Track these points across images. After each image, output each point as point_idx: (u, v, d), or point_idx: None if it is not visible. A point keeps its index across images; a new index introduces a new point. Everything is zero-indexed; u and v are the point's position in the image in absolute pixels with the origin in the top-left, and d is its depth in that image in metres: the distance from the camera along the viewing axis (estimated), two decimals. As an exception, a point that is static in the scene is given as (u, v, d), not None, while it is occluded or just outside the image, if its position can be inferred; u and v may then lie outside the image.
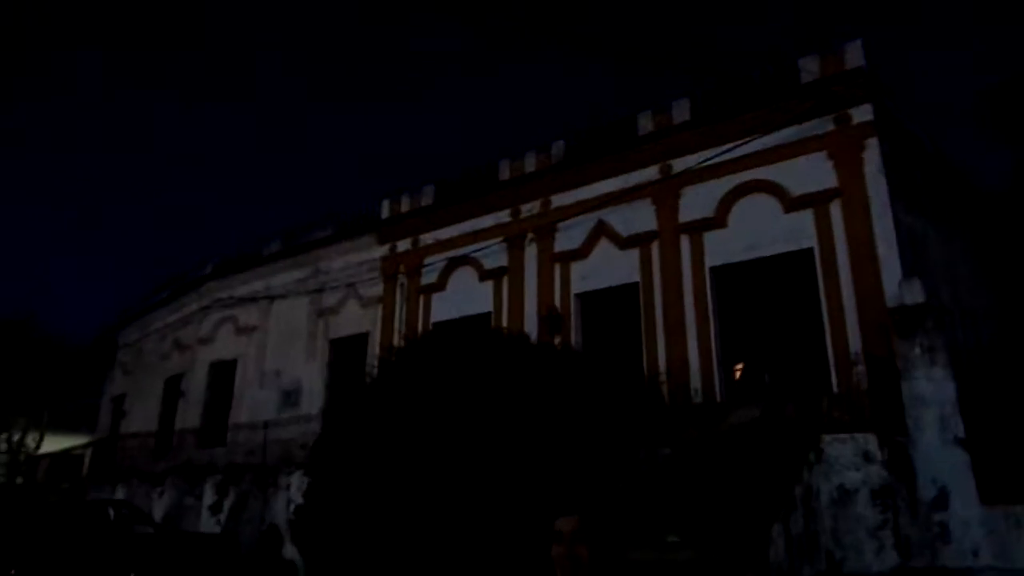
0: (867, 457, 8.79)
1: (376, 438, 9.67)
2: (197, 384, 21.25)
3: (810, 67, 12.48)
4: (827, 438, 9.03)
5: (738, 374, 12.21)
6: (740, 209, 12.64)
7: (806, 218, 11.94)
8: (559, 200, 15.01)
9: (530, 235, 15.29)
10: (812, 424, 9.35)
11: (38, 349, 30.89)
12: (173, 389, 22.60)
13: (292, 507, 14.30)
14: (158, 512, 16.26)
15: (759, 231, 12.28)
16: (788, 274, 12.05)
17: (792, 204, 12.09)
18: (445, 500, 8.36)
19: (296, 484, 14.59)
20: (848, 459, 8.83)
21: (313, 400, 18.02)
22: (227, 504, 15.46)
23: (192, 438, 20.38)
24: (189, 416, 21.00)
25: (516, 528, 7.58)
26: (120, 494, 18.01)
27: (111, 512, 9.12)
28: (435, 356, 10.57)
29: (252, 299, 20.58)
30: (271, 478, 15.00)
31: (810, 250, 11.81)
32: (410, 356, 11.56)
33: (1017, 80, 14.86)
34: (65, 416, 33.52)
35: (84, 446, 29.02)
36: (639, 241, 13.60)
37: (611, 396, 9.93)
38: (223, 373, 20.74)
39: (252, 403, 19.37)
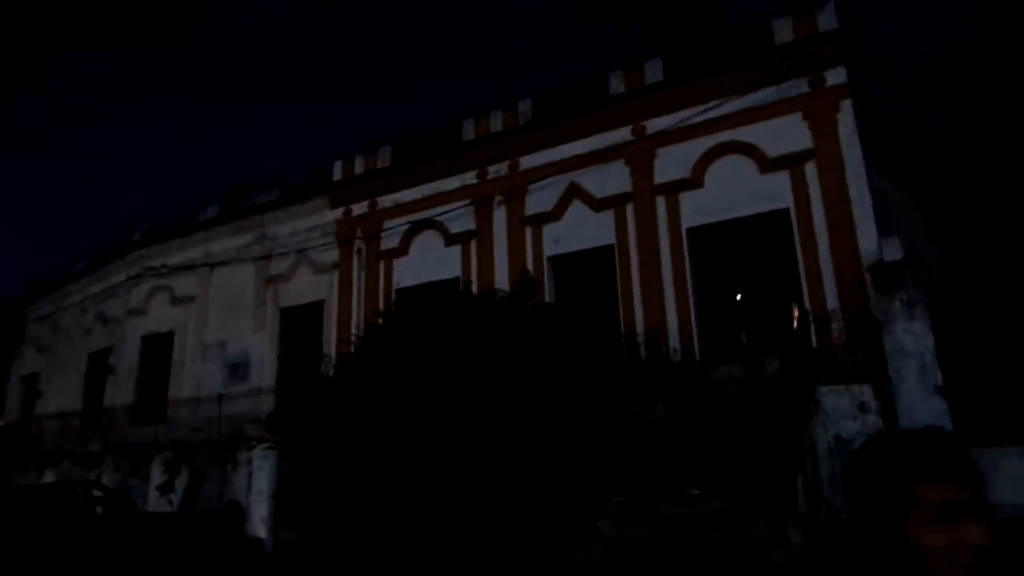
0: (863, 407, 9.07)
1: (361, 413, 9.25)
2: (128, 359, 19.85)
3: (783, 29, 12.61)
4: (823, 389, 9.26)
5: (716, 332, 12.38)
6: (716, 170, 12.73)
7: (782, 179, 12.15)
8: (528, 161, 14.70)
9: (499, 197, 14.93)
10: (808, 377, 9.58)
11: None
12: (99, 365, 21.05)
13: (255, 484, 13.65)
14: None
15: (735, 192, 12.41)
16: (765, 234, 12.27)
17: (768, 165, 12.27)
18: (439, 474, 8.09)
19: (257, 460, 13.90)
20: (844, 409, 9.09)
21: (264, 372, 17.17)
22: (179, 483, 14.55)
23: (125, 416, 19.07)
24: (120, 393, 19.62)
25: (517, 498, 7.41)
26: (49, 477, 16.66)
27: (80, 493, 8.29)
28: (417, 322, 10.18)
29: (189, 267, 19.31)
30: (229, 454, 14.19)
31: (786, 210, 12.03)
32: (391, 324, 11.10)
33: (959, 49, 15.60)
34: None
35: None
36: (614, 203, 13.51)
37: (598, 355, 9.86)
38: (158, 346, 19.44)
39: (194, 377, 18.27)
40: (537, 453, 7.73)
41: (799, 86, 12.27)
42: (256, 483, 13.57)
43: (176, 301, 19.37)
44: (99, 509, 9.78)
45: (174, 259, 19.75)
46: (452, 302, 10.24)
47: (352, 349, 12.24)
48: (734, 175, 12.50)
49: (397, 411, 8.82)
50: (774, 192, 12.15)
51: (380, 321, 10.30)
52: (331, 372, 11.56)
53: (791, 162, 12.09)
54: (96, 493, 8.79)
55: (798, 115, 12.20)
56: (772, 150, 12.26)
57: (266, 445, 13.90)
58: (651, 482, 7.89)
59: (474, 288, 14.54)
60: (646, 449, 8.94)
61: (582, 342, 9.20)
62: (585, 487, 7.60)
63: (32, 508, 7.87)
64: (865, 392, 9.14)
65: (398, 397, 8.90)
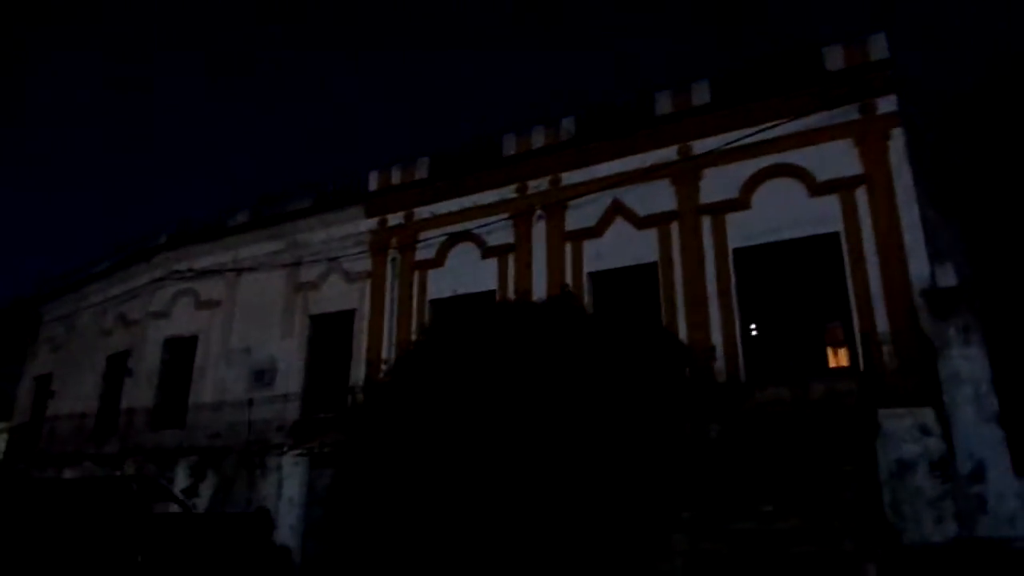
0: (924, 430, 9.01)
1: (415, 423, 9.10)
2: (148, 362, 19.66)
3: (834, 55, 12.74)
4: (883, 412, 9.20)
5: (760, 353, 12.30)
6: (764, 192, 12.77)
7: (832, 203, 12.18)
8: (570, 178, 14.74)
9: (538, 212, 14.94)
10: (869, 399, 9.52)
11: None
12: (117, 367, 20.84)
13: (285, 491, 13.44)
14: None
15: (784, 214, 12.43)
16: (812, 257, 12.27)
17: (817, 189, 12.31)
18: (497, 486, 7.95)
19: (288, 467, 13.74)
20: (905, 432, 9.02)
21: (291, 379, 17.00)
22: (205, 487, 14.35)
23: (143, 418, 18.85)
24: (139, 395, 19.40)
25: (586, 511, 7.29)
26: (69, 477, 16.41)
27: (135, 489, 8.14)
28: (474, 331, 10.08)
29: (216, 271, 19.22)
30: (258, 460, 14.03)
31: (836, 234, 12.05)
32: (442, 333, 11.01)
33: (1005, 81, 15.81)
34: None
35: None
36: (658, 221, 13.53)
37: (657, 372, 9.78)
38: (180, 350, 19.28)
39: (217, 382, 18.08)
40: (606, 468, 7.62)
41: (850, 112, 12.36)
42: (286, 490, 13.43)
43: (201, 305, 19.25)
44: (167, 506, 9.58)
45: (200, 263, 19.66)
46: (510, 313, 10.17)
47: (394, 360, 12.12)
48: (782, 198, 12.54)
49: (454, 422, 8.69)
50: (823, 216, 12.17)
51: (418, 336, 10.23)
52: (374, 382, 11.40)
53: (841, 187, 12.14)
54: (144, 487, 8.64)
55: (849, 141, 12.28)
56: (822, 174, 12.32)
57: (297, 452, 13.75)
58: (716, 499, 7.78)
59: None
60: (705, 466, 8.84)
61: (642, 358, 9.14)
62: (654, 502, 7.49)
63: (90, 501, 7.72)
64: (927, 415, 9.10)
65: (455, 409, 8.77)
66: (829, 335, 12.55)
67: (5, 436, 27.08)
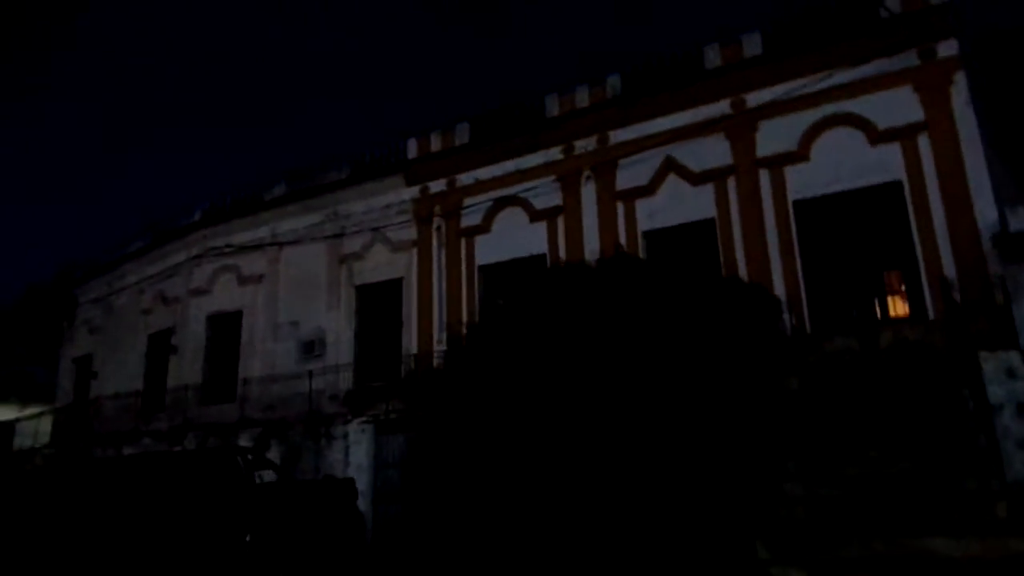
0: (1010, 373, 9.06)
1: (497, 387, 9.11)
2: (193, 338, 19.81)
3: (891, 1, 12.51)
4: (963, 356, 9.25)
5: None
6: (823, 142, 12.66)
7: (893, 151, 12.09)
8: (618, 136, 14.63)
9: (586, 172, 14.86)
10: (967, 342, 9.54)
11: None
12: (160, 345, 21.01)
13: (353, 458, 13.61)
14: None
15: (844, 164, 12.34)
16: (875, 206, 12.22)
17: (878, 137, 12.20)
18: (601, 451, 7.97)
19: (355, 435, 13.92)
20: (991, 375, 9.08)
21: (340, 350, 17.12)
22: (270, 457, 14.55)
23: (192, 394, 19.05)
24: (186, 372, 19.59)
25: (683, 470, 7.34)
26: (129, 453, 16.66)
27: (240, 460, 8.26)
28: (546, 296, 10.07)
29: (256, 246, 19.23)
30: (324, 429, 14.21)
31: (899, 182, 11.98)
32: (515, 299, 11.00)
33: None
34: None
35: (35, 415, 26.76)
36: (713, 176, 13.46)
37: (747, 327, 9.80)
38: (225, 325, 19.40)
39: (265, 356, 18.22)
40: (708, 422, 7.69)
41: (909, 58, 12.18)
42: (354, 457, 13.62)
43: (243, 280, 19.31)
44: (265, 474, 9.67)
45: (239, 239, 19.66)
46: (584, 274, 10.16)
47: (463, 328, 12.11)
48: (842, 148, 12.44)
49: (538, 385, 8.72)
50: (885, 164, 12.09)
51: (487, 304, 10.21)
52: (454, 346, 11.43)
53: (903, 134, 12.02)
54: (248, 457, 8.77)
55: (908, 87, 12.13)
56: (882, 122, 12.19)
57: (363, 420, 13.91)
58: (818, 448, 7.88)
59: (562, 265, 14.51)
60: (794, 417, 8.93)
61: (728, 312, 9.17)
62: (757, 454, 7.59)
63: (196, 472, 7.84)
64: (1013, 358, 9.13)
65: (540, 371, 8.79)
66: (890, 283, 12.60)
67: (48, 418, 27.46)
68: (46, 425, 25.82)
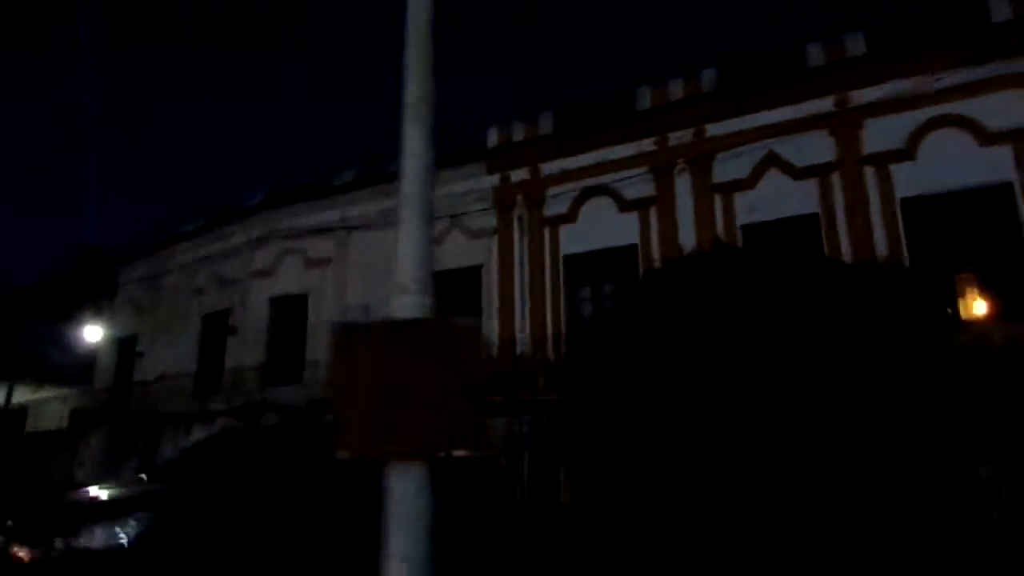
0: None
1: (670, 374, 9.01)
2: (255, 320, 19.66)
3: (1000, 7, 12.76)
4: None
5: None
6: (930, 142, 12.86)
7: (1004, 152, 12.30)
8: (715, 129, 14.75)
9: (680, 164, 14.97)
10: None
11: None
12: (215, 326, 20.84)
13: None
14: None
15: (952, 164, 12.54)
16: (985, 206, 12.41)
17: (988, 138, 12.42)
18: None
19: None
20: None
21: (415, 335, 17.03)
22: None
23: (254, 375, 18.90)
24: (246, 353, 19.44)
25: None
26: (199, 433, 16.50)
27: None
28: (706, 282, 9.99)
29: (325, 230, 19.15)
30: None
31: (1009, 183, 12.19)
32: (663, 282, 10.91)
33: None
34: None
35: (74, 395, 26.43)
36: (817, 171, 13.61)
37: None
38: (289, 308, 19.29)
39: (334, 339, 18.09)
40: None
41: (1020, 63, 12.42)
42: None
43: (310, 263, 19.21)
44: None
45: (305, 222, 19.58)
46: (721, 262, 10.14)
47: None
48: (950, 148, 12.64)
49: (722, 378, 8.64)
50: (995, 165, 12.30)
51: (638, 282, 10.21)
52: (592, 328, 11.36)
53: (1014, 136, 12.24)
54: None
55: (1020, 91, 12.35)
56: (992, 124, 12.41)
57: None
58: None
59: (654, 254, 14.59)
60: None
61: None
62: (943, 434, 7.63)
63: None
64: None
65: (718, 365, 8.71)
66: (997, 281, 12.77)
67: (66, 401, 27.09)
68: (59, 407, 25.43)
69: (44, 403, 30.87)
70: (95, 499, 6.22)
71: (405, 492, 1.80)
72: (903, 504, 6.79)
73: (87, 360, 30.83)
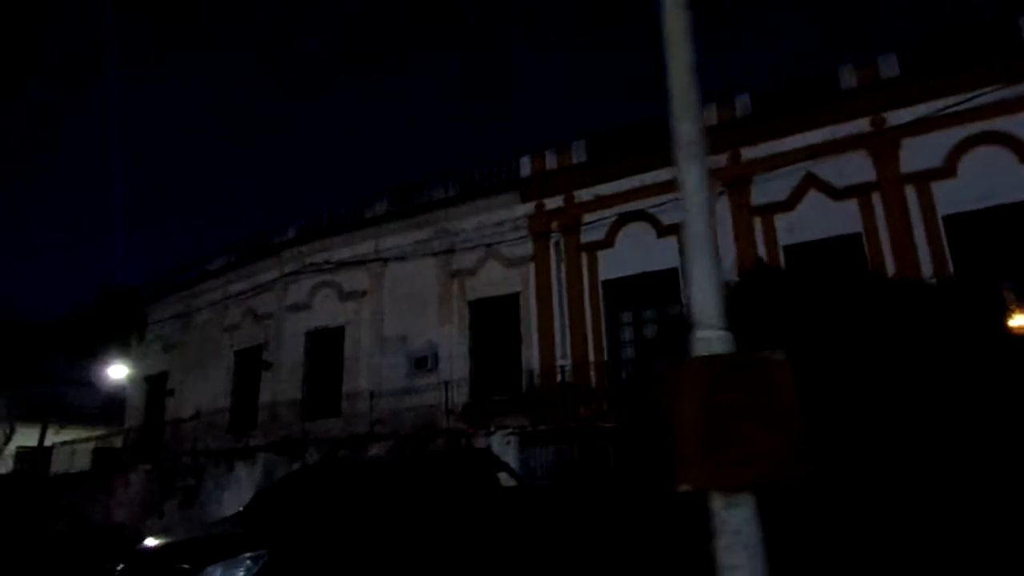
0: None
1: None
2: (290, 354, 19.75)
3: (1035, 25, 13.00)
4: None
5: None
6: (970, 159, 13.02)
7: (1045, 167, 12.46)
8: (750, 153, 14.95)
9: (719, 188, 15.13)
10: None
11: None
12: (248, 361, 20.92)
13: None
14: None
15: (994, 181, 12.68)
16: (1028, 221, 12.53)
17: (1029, 154, 12.58)
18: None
19: (499, 445, 13.87)
20: None
21: (454, 365, 17.12)
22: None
23: (292, 410, 18.93)
24: (282, 388, 19.50)
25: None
26: (242, 471, 16.48)
27: (485, 463, 8.15)
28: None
29: (359, 262, 19.31)
30: (465, 439, 14.14)
31: (1052, 198, 12.33)
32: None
33: None
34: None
35: (104, 435, 26.36)
36: (857, 192, 13.76)
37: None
38: (326, 341, 19.37)
39: (373, 371, 18.18)
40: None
41: (1056, 79, 12.63)
42: (501, 468, 13.48)
43: (345, 296, 19.34)
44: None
45: (338, 255, 19.75)
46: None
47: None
48: (991, 164, 12.79)
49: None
50: (1037, 180, 12.44)
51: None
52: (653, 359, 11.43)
53: (1054, 151, 12.41)
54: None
55: (1059, 106, 12.55)
56: (1032, 140, 12.58)
57: (508, 431, 13.88)
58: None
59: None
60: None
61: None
62: None
63: (445, 474, 7.67)
64: None
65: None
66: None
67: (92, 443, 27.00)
68: (83, 447, 25.35)
69: (67, 444, 30.83)
70: (207, 538, 6.25)
71: (738, 521, 1.87)
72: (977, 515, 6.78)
73: (111, 400, 30.93)
